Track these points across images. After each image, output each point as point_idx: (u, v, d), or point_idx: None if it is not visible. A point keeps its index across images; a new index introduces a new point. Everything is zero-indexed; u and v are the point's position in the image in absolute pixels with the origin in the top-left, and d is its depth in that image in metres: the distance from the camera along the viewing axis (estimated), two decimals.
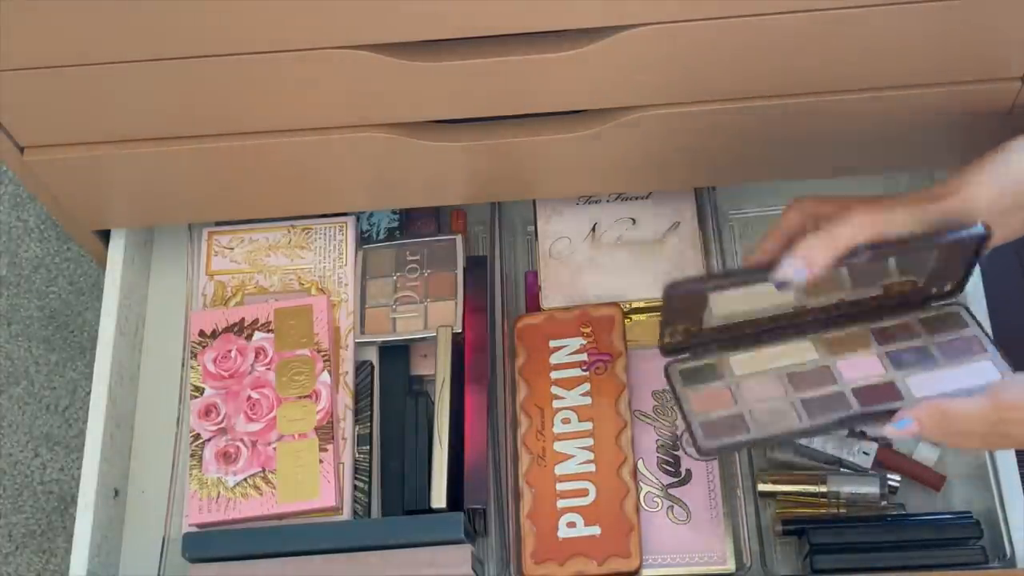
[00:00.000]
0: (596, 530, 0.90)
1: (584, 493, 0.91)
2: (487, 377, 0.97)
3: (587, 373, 0.95)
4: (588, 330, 0.97)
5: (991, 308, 0.95)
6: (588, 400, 0.94)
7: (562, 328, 0.98)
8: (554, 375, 0.96)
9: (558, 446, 0.93)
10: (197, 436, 0.95)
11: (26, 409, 1.31)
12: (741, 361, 0.86)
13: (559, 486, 0.92)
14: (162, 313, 1.07)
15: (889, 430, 0.78)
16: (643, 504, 0.92)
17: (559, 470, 0.92)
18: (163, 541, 0.94)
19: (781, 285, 0.77)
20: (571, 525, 0.90)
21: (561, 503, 0.91)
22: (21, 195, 1.42)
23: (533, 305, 1.01)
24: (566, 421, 0.94)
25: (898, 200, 0.79)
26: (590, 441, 0.93)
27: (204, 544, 0.90)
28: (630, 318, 1.00)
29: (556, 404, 0.95)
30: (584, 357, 0.96)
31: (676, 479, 0.93)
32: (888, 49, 0.83)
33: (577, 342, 0.97)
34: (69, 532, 1.21)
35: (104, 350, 0.99)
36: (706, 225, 1.02)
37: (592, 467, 0.92)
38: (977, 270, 0.95)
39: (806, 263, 0.76)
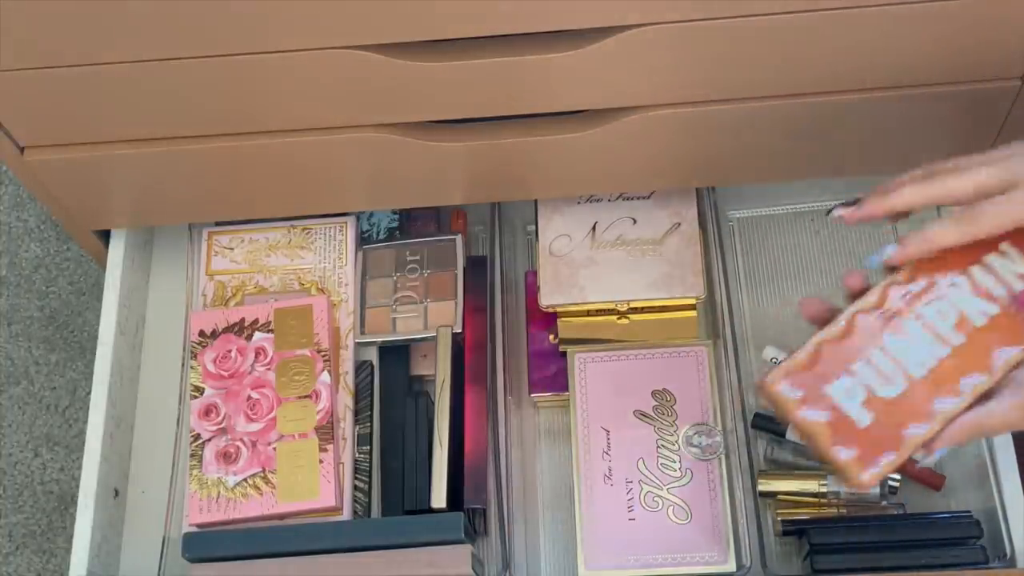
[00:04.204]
0: None
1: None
2: (487, 377, 0.97)
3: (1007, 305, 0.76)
4: None
5: None
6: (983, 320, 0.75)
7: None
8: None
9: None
10: (197, 436, 0.95)
11: (26, 409, 1.31)
12: None
13: None
14: (162, 313, 1.07)
15: (928, 460, 0.74)
16: (643, 504, 0.93)
17: None
18: (163, 541, 0.94)
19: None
20: None
21: None
22: (21, 195, 1.42)
23: (533, 305, 1.02)
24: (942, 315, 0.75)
25: None
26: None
27: (204, 544, 0.90)
28: (628, 318, 1.00)
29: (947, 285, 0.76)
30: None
31: (676, 479, 0.93)
32: (888, 49, 0.83)
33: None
34: (69, 532, 1.21)
35: (104, 350, 0.99)
36: (706, 225, 1.02)
37: None
38: None
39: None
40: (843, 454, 0.71)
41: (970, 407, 0.73)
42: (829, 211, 0.77)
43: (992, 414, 0.72)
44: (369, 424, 0.97)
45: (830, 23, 0.80)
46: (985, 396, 0.73)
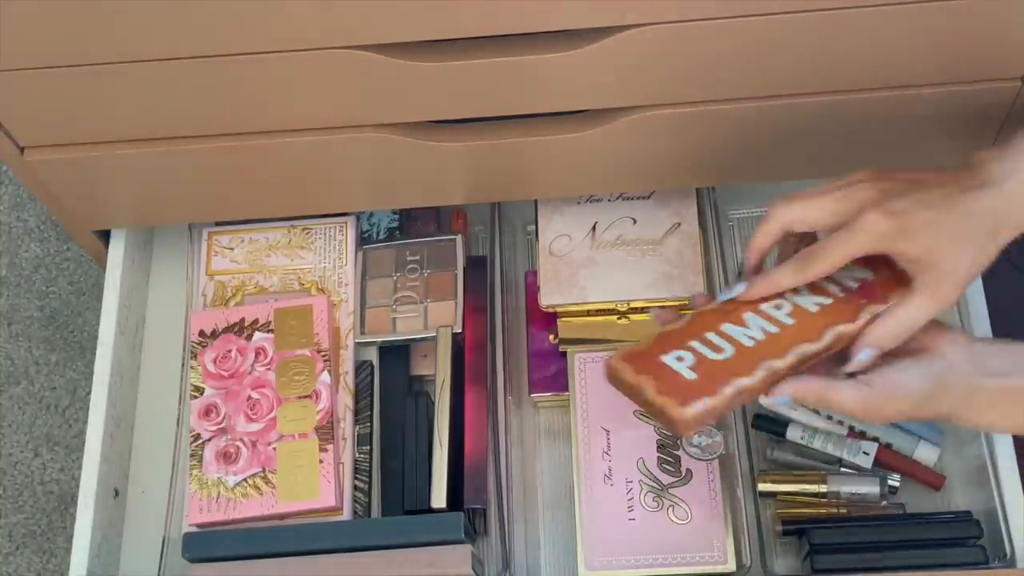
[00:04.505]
0: None
1: None
2: (487, 377, 0.97)
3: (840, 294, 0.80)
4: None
5: (991, 309, 0.96)
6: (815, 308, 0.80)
7: None
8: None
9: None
10: (197, 436, 0.95)
11: (26, 409, 1.31)
12: None
13: None
14: (162, 313, 1.07)
15: (768, 401, 0.78)
16: (643, 504, 0.93)
17: None
18: (163, 541, 0.94)
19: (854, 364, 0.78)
20: None
21: None
22: (21, 195, 1.42)
23: (533, 305, 1.02)
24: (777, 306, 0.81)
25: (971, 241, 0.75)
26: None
27: (204, 544, 0.90)
28: (628, 318, 1.00)
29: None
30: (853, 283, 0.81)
31: (676, 479, 0.93)
32: (888, 49, 0.83)
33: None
34: (69, 532, 1.21)
35: (104, 350, 0.99)
36: (706, 225, 1.02)
37: None
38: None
39: (880, 352, 0.78)
40: (664, 399, 0.75)
41: (796, 367, 0.77)
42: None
43: (836, 388, 0.77)
44: (369, 424, 0.97)
45: (830, 23, 0.80)
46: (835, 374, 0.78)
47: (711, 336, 0.79)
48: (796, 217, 0.79)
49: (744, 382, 0.76)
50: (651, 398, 0.76)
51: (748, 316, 0.79)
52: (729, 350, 0.78)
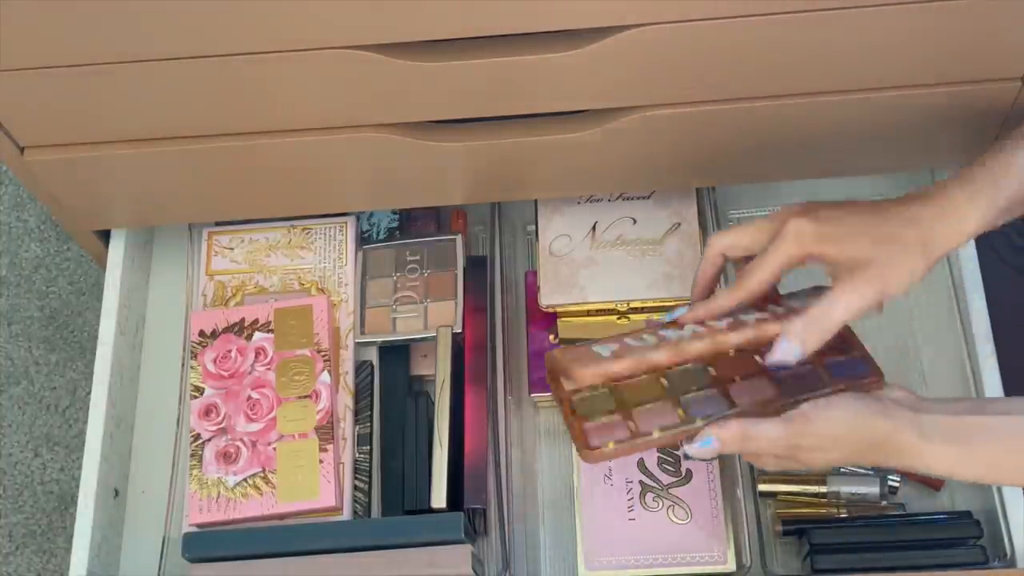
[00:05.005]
0: None
1: None
2: (487, 377, 0.97)
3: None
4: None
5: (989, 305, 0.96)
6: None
7: None
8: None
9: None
10: (197, 436, 0.95)
11: (26, 409, 1.31)
12: None
13: None
14: (162, 313, 1.07)
15: (693, 449, 0.77)
16: (643, 504, 0.93)
17: None
18: (163, 541, 0.94)
19: (776, 367, 0.79)
20: None
21: None
22: (21, 195, 1.42)
23: (533, 305, 1.02)
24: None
25: (898, 249, 0.76)
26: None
27: (204, 544, 0.90)
28: (628, 318, 1.00)
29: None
30: None
31: (676, 479, 0.93)
32: (888, 49, 0.83)
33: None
34: (69, 532, 1.21)
35: (104, 350, 0.99)
36: (706, 225, 1.02)
37: None
38: (975, 265, 0.96)
39: (802, 347, 0.77)
40: (570, 363, 0.80)
41: (708, 355, 0.81)
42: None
43: (759, 423, 0.76)
44: (369, 424, 0.97)
45: (830, 23, 0.80)
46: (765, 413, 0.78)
47: (645, 334, 0.83)
48: (728, 242, 0.82)
49: (651, 355, 0.79)
50: (561, 359, 0.81)
51: (689, 326, 0.83)
52: (651, 341, 0.82)
